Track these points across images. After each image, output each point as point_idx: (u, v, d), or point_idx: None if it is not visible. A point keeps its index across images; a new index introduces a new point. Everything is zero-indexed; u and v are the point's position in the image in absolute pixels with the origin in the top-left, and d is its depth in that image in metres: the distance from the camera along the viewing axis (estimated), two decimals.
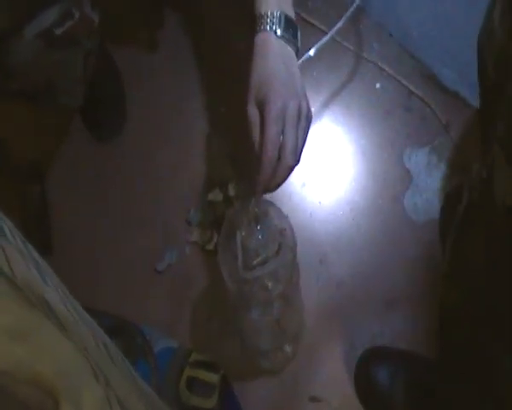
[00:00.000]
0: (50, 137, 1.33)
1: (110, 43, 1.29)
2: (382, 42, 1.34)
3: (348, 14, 0.99)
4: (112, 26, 1.06)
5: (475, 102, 1.23)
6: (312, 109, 1.27)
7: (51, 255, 1.19)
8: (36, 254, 0.52)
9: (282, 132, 0.79)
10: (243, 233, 0.82)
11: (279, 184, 0.83)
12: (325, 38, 0.92)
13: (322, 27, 1.33)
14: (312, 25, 1.34)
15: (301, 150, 0.83)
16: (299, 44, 0.86)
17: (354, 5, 1.00)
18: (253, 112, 0.82)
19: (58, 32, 0.85)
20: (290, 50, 0.84)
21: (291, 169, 0.81)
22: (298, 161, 0.82)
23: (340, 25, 0.97)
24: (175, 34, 1.38)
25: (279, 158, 0.80)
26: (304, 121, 0.82)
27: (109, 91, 1.31)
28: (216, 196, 1.23)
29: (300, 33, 0.87)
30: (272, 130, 0.78)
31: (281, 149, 0.80)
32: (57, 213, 1.26)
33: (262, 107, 0.80)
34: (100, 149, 1.31)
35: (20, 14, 0.80)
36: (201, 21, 1.38)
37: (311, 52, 0.91)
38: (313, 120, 1.26)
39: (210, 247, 1.20)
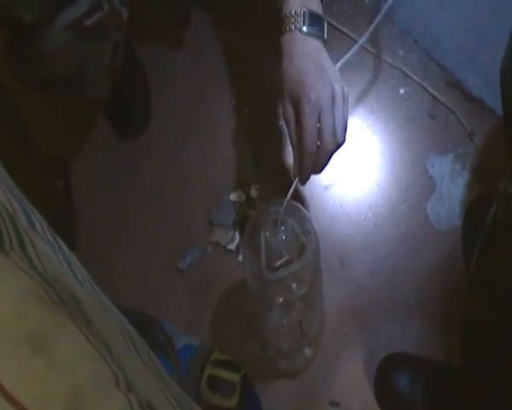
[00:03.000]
0: (76, 132, 1.34)
1: (136, 41, 1.30)
2: (407, 48, 1.33)
3: (373, 27, 0.98)
4: (138, 23, 1.06)
5: (501, 110, 1.22)
6: None
7: (74, 250, 1.19)
8: (65, 248, 0.53)
9: (319, 120, 0.83)
10: (267, 234, 0.82)
11: (323, 168, 0.88)
12: (347, 55, 0.93)
13: (347, 32, 1.33)
14: (338, 29, 1.33)
15: (344, 130, 0.86)
16: (325, 36, 0.89)
17: (379, 17, 0.99)
18: (288, 110, 0.86)
19: (87, 23, 0.86)
20: (317, 43, 0.87)
21: (332, 152, 0.86)
22: (343, 141, 0.86)
23: (364, 39, 0.98)
24: (201, 34, 1.38)
25: (319, 145, 0.84)
26: (340, 103, 0.84)
27: (135, 89, 1.32)
28: (239, 196, 1.23)
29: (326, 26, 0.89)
30: (309, 121, 0.82)
31: (319, 135, 0.83)
32: (81, 209, 1.27)
33: (296, 103, 0.84)
34: (124, 148, 1.32)
35: (50, 4, 0.81)
36: (228, 22, 1.38)
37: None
38: None
39: (232, 247, 1.20)
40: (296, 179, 0.88)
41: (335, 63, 0.90)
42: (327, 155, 0.85)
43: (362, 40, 0.97)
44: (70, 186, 1.27)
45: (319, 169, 0.88)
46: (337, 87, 0.84)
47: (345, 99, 0.86)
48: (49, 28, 0.83)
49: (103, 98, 1.12)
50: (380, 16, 0.99)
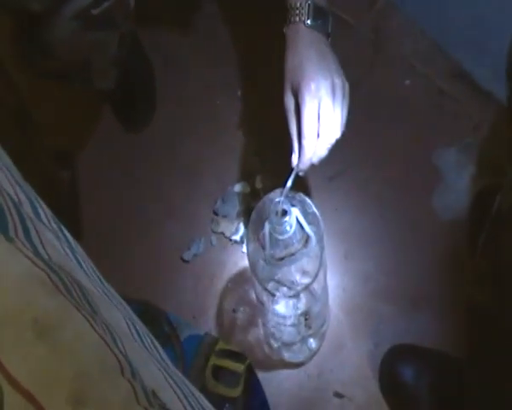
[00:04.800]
0: (81, 123, 1.34)
1: (141, 32, 1.29)
2: (414, 38, 1.33)
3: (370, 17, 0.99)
4: (144, 14, 1.06)
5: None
6: None
7: (79, 241, 1.19)
8: (70, 237, 0.53)
9: (319, 111, 0.83)
10: (271, 225, 0.82)
11: (321, 158, 0.88)
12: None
13: (349, 19, 1.32)
14: (340, 17, 1.32)
15: (343, 122, 0.87)
16: (329, 30, 0.89)
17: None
18: (288, 99, 0.86)
19: (94, 12, 0.87)
20: (320, 36, 0.87)
21: (331, 143, 0.86)
22: (340, 133, 0.87)
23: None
24: (206, 25, 1.38)
25: (318, 135, 0.84)
26: (339, 95, 0.85)
27: (140, 80, 1.32)
28: (243, 187, 1.23)
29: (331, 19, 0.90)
30: (308, 110, 0.83)
31: (319, 126, 0.84)
32: (86, 200, 1.27)
33: (296, 92, 0.84)
34: (129, 139, 1.32)
35: None
36: (233, 13, 1.38)
37: None
38: None
39: (236, 238, 1.21)
40: (295, 168, 0.88)
41: (337, 54, 0.90)
42: (325, 145, 0.85)
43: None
44: (75, 177, 1.27)
45: (316, 159, 0.88)
46: (337, 80, 0.85)
47: (345, 93, 0.86)
48: (56, 17, 0.84)
49: (110, 88, 1.12)
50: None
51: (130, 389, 0.35)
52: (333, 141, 0.86)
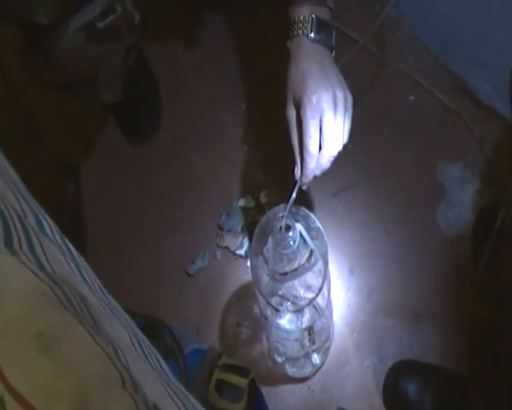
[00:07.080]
0: (87, 137, 1.35)
1: (147, 46, 1.30)
2: (417, 54, 1.33)
3: (375, 26, 0.99)
4: (149, 29, 1.07)
5: (511, 116, 1.22)
6: None
7: (84, 255, 1.19)
8: (74, 251, 0.53)
9: (321, 124, 0.83)
10: (275, 239, 0.82)
11: (323, 171, 0.88)
12: (348, 55, 0.92)
13: (357, 38, 1.32)
14: (347, 36, 1.33)
15: (345, 135, 0.87)
16: (333, 43, 0.89)
17: (383, 15, 1.00)
18: (290, 112, 0.87)
19: (100, 25, 0.88)
20: (324, 50, 0.88)
21: (333, 156, 0.86)
22: (342, 146, 0.87)
23: (365, 39, 0.98)
24: (211, 40, 1.39)
25: (320, 148, 0.85)
26: (341, 108, 0.85)
27: (145, 94, 1.33)
28: (248, 202, 1.23)
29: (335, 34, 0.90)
30: (309, 125, 0.83)
31: (321, 139, 0.84)
32: (90, 213, 1.28)
33: (299, 105, 0.85)
34: (134, 152, 1.33)
35: (65, 6, 0.83)
36: (238, 28, 1.39)
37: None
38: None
39: (241, 252, 1.21)
40: (298, 182, 0.88)
41: (339, 64, 0.91)
42: (327, 158, 0.86)
43: (363, 40, 0.97)
44: (80, 190, 1.28)
45: (319, 171, 0.88)
46: (339, 93, 0.85)
47: (347, 106, 0.86)
48: (62, 30, 0.85)
49: (116, 101, 1.13)
50: (383, 15, 0.99)
51: (131, 403, 0.35)
52: (335, 153, 0.86)
